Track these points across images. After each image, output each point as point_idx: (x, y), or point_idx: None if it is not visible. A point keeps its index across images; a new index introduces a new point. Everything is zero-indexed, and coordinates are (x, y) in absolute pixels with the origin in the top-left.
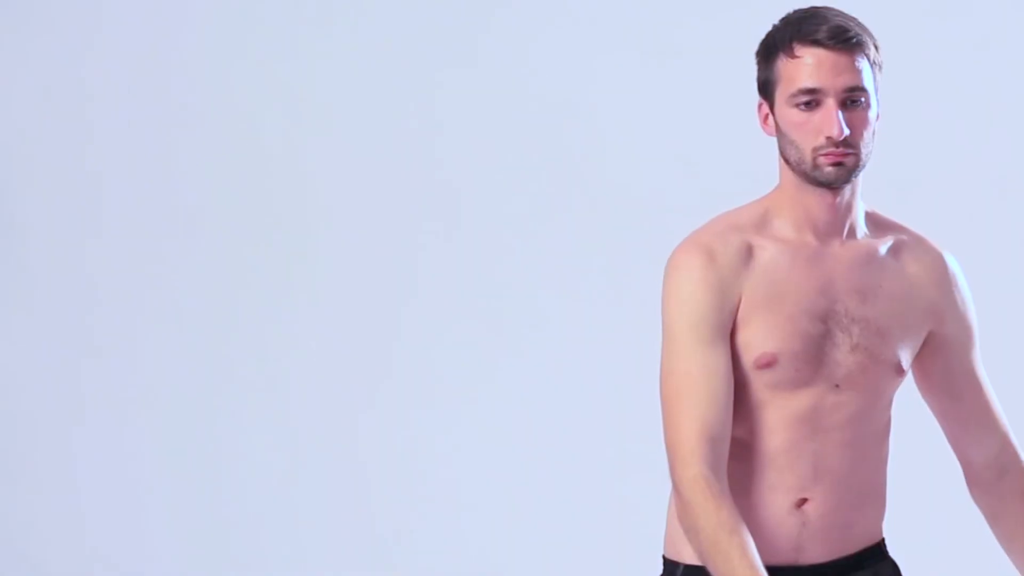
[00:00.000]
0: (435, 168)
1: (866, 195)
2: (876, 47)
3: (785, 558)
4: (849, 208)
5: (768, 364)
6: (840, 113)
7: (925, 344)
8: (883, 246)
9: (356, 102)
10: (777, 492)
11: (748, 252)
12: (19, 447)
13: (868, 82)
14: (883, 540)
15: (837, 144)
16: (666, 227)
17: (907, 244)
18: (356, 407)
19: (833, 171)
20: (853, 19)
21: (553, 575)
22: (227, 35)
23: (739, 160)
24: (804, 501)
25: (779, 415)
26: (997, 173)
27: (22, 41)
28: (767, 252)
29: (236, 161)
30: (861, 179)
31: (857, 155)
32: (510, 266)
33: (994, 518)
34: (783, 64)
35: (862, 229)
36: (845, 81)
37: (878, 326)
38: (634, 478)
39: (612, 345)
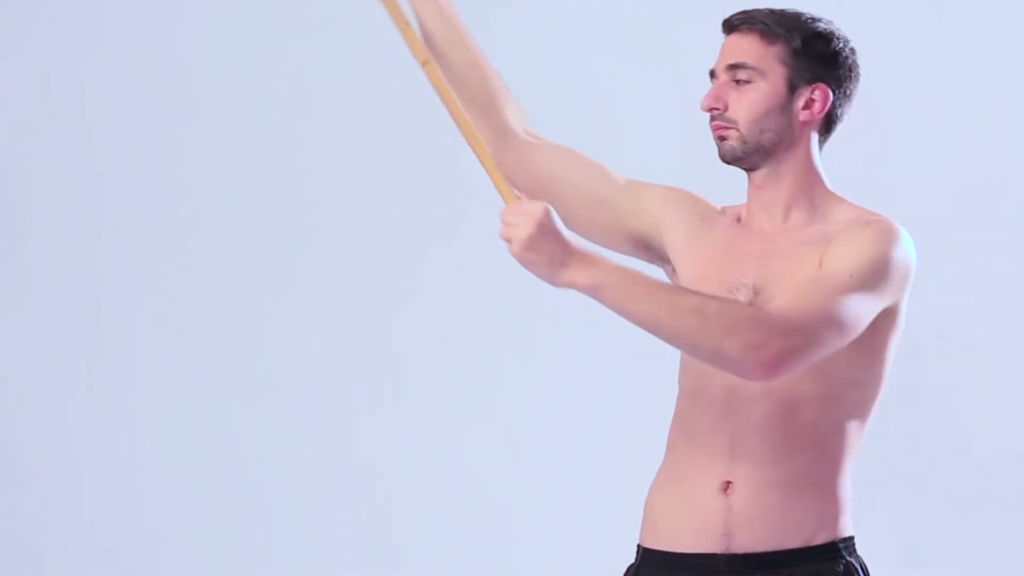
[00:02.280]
0: (440, 167)
1: (867, 192)
2: (807, 35)
3: (716, 545)
4: (784, 194)
5: None
6: (723, 89)
7: None
8: (821, 228)
9: (358, 102)
10: (703, 477)
11: (713, 218)
12: (21, 448)
13: (755, 59)
14: (839, 540)
15: (714, 117)
16: None
17: (847, 221)
18: (359, 408)
19: (720, 145)
20: (790, 11)
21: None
22: (228, 35)
23: None
24: (728, 485)
25: (702, 391)
26: (997, 173)
27: (23, 41)
28: (722, 227)
29: (237, 161)
30: (811, 166)
31: (739, 130)
32: (514, 266)
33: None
34: None
35: (810, 214)
36: (727, 59)
37: (771, 294)
38: (639, 479)
39: (614, 345)
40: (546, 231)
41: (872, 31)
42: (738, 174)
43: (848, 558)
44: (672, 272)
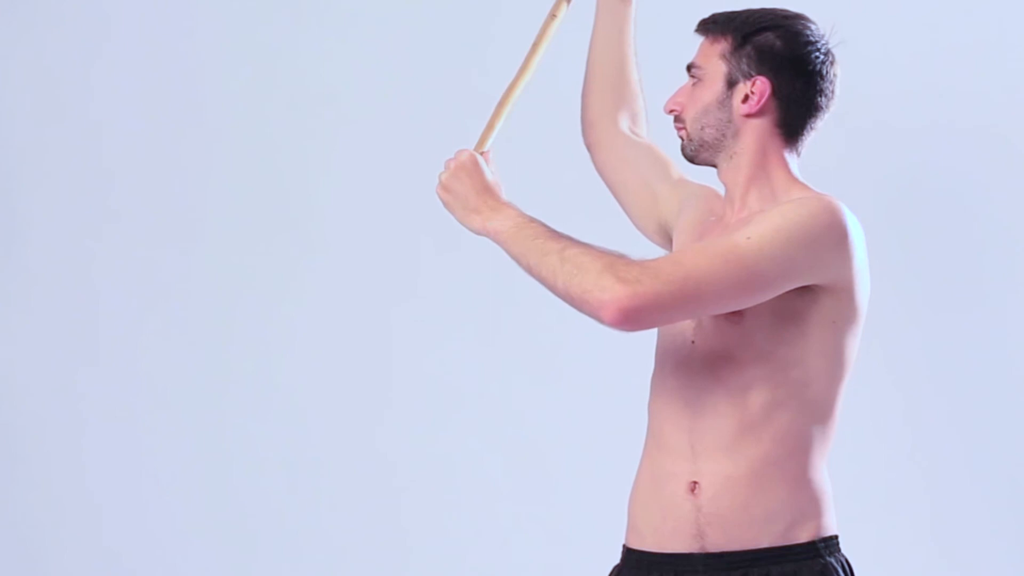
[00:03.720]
0: (441, 164)
1: (869, 190)
2: (749, 30)
3: (690, 545)
4: (738, 184)
5: None
6: (680, 91)
7: None
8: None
9: (357, 101)
10: (673, 478)
11: (714, 212)
12: (22, 449)
13: (702, 60)
14: (818, 540)
15: (675, 119)
16: None
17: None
18: (361, 407)
19: (680, 145)
20: (749, 10)
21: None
22: (230, 35)
23: None
24: (695, 485)
25: (662, 388)
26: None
27: (27, 41)
28: (712, 219)
29: (239, 162)
30: (765, 159)
31: (686, 129)
32: (515, 266)
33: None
34: None
35: (766, 202)
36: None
37: None
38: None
39: (616, 344)
40: (464, 175)
41: (767, 20)
42: None
43: (827, 558)
44: None
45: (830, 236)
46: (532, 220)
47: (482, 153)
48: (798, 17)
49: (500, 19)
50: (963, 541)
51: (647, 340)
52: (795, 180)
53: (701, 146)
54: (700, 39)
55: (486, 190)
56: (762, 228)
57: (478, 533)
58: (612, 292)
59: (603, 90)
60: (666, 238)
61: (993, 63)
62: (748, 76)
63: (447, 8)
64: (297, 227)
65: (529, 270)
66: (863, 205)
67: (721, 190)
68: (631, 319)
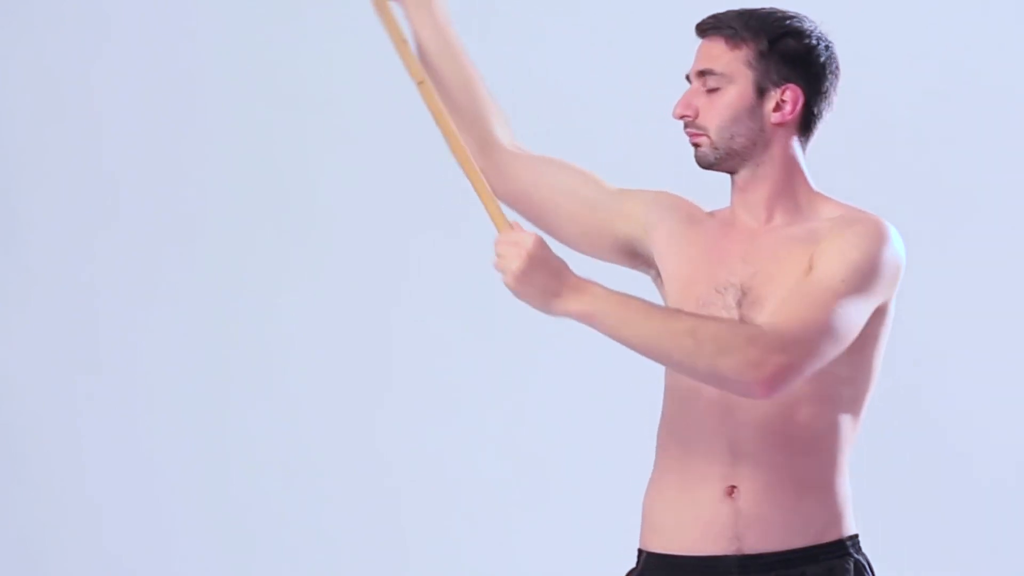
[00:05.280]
0: (439, 160)
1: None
2: (773, 37)
3: (726, 547)
4: (763, 194)
5: None
6: (694, 96)
7: None
8: (809, 225)
9: (356, 101)
10: (706, 481)
11: (701, 220)
12: (22, 449)
13: (721, 66)
14: (846, 538)
15: (686, 124)
16: None
17: (834, 219)
18: (362, 408)
19: (695, 152)
20: (759, 11)
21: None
22: (231, 36)
23: None
24: (733, 489)
25: (697, 393)
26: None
27: (27, 41)
28: (710, 228)
29: (239, 162)
30: (791, 166)
31: (709, 137)
32: None
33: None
34: None
35: (793, 214)
36: (697, 65)
37: (759, 295)
38: (643, 478)
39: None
40: (537, 263)
41: (782, 23)
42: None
43: (856, 555)
44: (656, 277)
45: (895, 263)
46: (624, 295)
47: (511, 226)
48: (804, 17)
49: (500, 19)
50: (963, 541)
51: None
52: (814, 190)
53: (728, 155)
54: (699, 41)
55: (562, 270)
56: (846, 268)
57: (477, 533)
58: (764, 369)
59: (462, 111)
60: (627, 255)
61: (993, 62)
62: (777, 84)
63: (450, 5)
64: (297, 228)
65: (648, 351)
66: (864, 203)
67: (712, 193)
68: (780, 389)
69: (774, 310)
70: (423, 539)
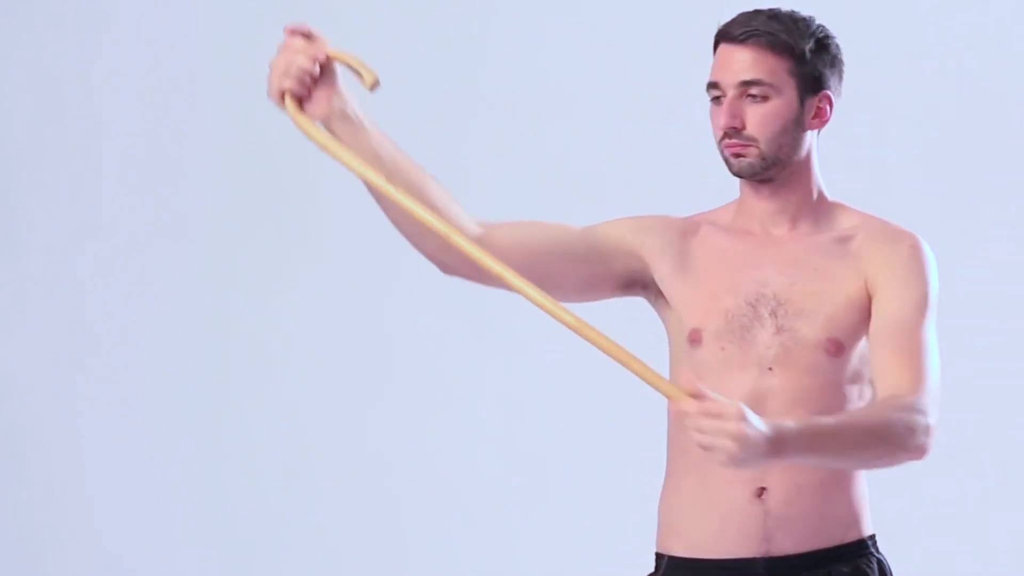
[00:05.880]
0: (438, 158)
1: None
2: (810, 45)
3: (755, 549)
4: (791, 201)
5: (696, 340)
6: (737, 106)
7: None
8: (834, 235)
9: (360, 102)
10: (735, 483)
11: (694, 229)
12: (22, 448)
13: (768, 76)
14: (867, 537)
15: (732, 136)
16: None
17: (863, 230)
18: (361, 408)
19: (736, 162)
20: (788, 16)
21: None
22: (231, 35)
23: None
24: (763, 491)
25: (718, 392)
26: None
27: (27, 41)
28: (710, 235)
29: (238, 162)
30: (814, 173)
31: (759, 148)
32: None
33: None
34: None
35: (815, 221)
36: (738, 74)
37: (801, 307)
38: (644, 478)
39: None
40: (749, 444)
41: (815, 28)
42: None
43: (877, 554)
44: (657, 298)
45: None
46: (811, 426)
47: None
48: (814, 19)
49: (500, 19)
50: (964, 541)
51: (647, 338)
52: (826, 195)
53: (774, 164)
54: (710, 47)
55: (766, 433)
56: (922, 304)
57: (476, 533)
58: (929, 440)
59: (436, 209)
60: (625, 288)
61: (993, 62)
62: (815, 91)
63: (447, 8)
64: (296, 228)
65: (841, 462)
66: (864, 203)
67: (712, 193)
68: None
69: (881, 367)
70: (422, 539)
